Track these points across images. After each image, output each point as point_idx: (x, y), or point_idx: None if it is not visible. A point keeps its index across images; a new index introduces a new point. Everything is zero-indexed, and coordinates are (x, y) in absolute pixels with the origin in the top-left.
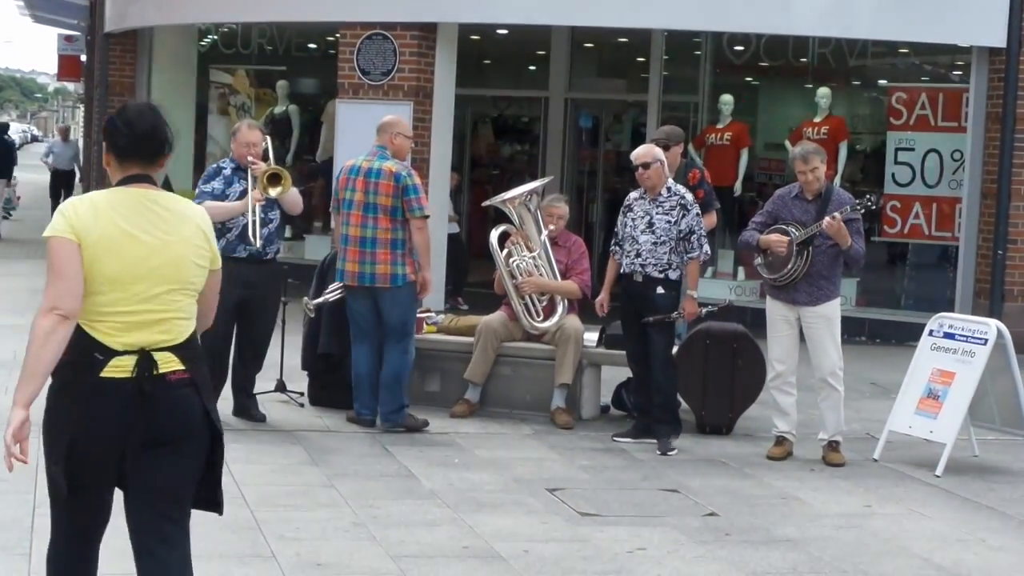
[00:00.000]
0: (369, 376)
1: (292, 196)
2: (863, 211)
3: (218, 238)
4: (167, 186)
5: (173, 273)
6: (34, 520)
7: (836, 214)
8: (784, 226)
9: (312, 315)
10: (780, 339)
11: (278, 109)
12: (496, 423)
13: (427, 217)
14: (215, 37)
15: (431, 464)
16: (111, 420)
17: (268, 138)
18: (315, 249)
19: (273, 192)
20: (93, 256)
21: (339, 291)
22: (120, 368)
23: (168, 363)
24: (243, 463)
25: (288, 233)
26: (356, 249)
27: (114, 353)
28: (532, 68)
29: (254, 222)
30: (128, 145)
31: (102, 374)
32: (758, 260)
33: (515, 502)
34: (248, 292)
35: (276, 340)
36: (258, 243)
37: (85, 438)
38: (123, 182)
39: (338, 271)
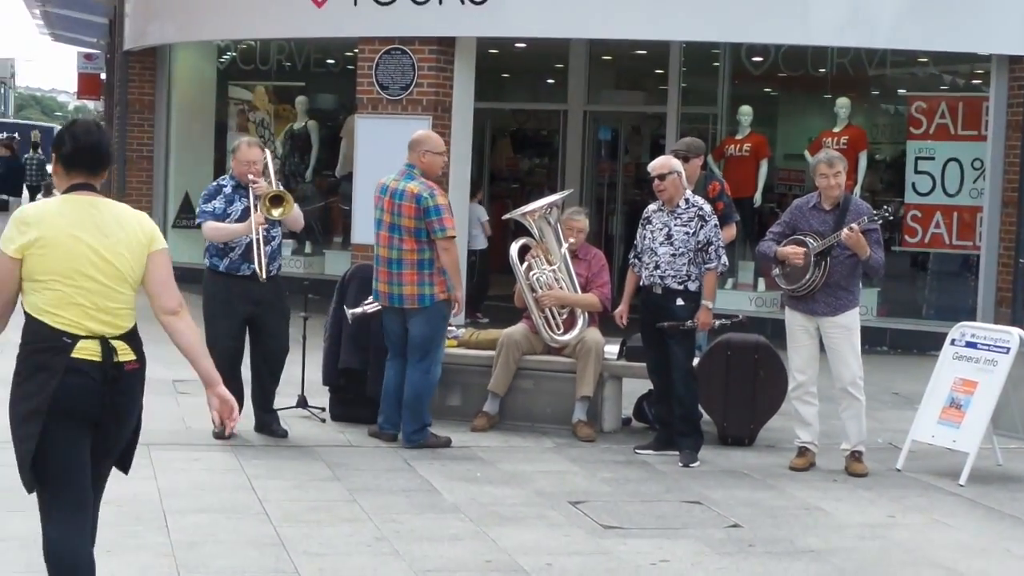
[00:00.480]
0: (396, 391)
1: (294, 216)
2: (880, 222)
3: (221, 258)
4: (186, 202)
5: (114, 269)
6: None
7: (854, 225)
8: (802, 236)
9: (352, 321)
10: (800, 349)
11: (297, 125)
12: (518, 436)
13: (452, 238)
14: (234, 54)
15: (453, 478)
16: (89, 392)
17: (268, 153)
18: (335, 264)
19: (276, 213)
20: (43, 255)
21: (376, 304)
22: (88, 351)
23: (124, 352)
24: (265, 479)
25: (308, 249)
26: (385, 270)
27: (79, 337)
28: (551, 81)
29: (259, 251)
30: (74, 156)
31: (73, 354)
32: (776, 271)
33: (538, 515)
34: (255, 309)
35: (297, 356)
36: (264, 275)
37: (67, 402)
38: (69, 190)
39: (374, 291)
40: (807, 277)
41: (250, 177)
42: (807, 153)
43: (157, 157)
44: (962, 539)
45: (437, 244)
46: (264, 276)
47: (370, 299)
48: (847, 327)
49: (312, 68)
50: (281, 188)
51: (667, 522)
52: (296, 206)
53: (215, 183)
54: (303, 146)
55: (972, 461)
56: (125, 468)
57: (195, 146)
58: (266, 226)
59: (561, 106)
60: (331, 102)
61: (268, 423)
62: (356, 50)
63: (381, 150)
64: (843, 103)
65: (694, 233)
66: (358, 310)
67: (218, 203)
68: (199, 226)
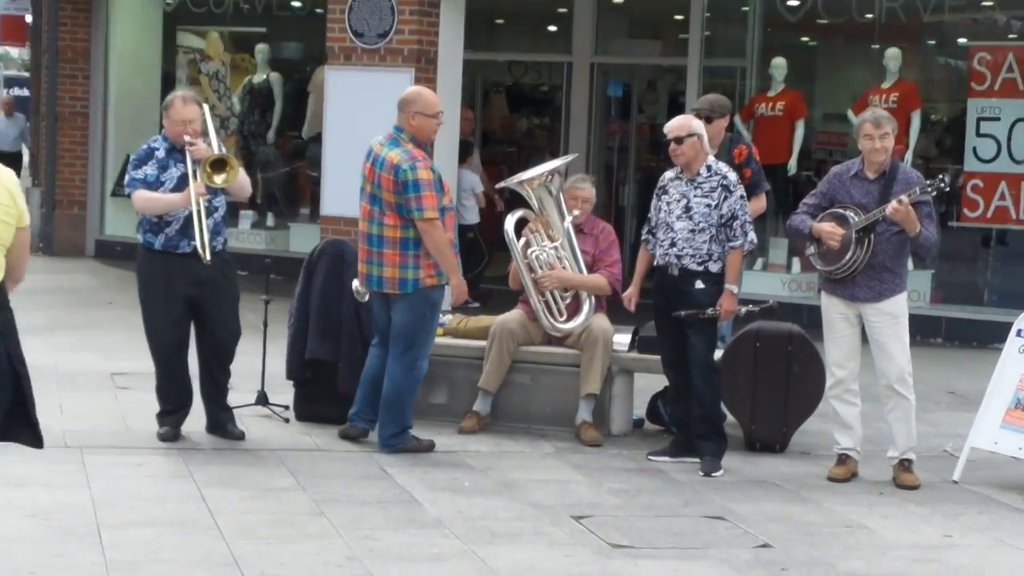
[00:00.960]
0: (375, 380)
1: (240, 183)
2: (934, 193)
3: (156, 233)
4: (127, 166)
5: None
6: None
7: (903, 197)
8: (841, 210)
9: (364, 299)
10: (839, 340)
11: (257, 78)
12: (512, 440)
13: (431, 220)
14: None
15: (436, 488)
16: None
17: (207, 109)
18: (302, 239)
19: (218, 180)
20: None
21: None
22: None
23: None
24: (218, 487)
25: (270, 221)
26: (366, 247)
27: None
28: (552, 29)
29: (200, 226)
30: None
31: None
32: (811, 250)
33: (535, 532)
34: (198, 291)
35: (256, 346)
36: (207, 255)
37: None
38: None
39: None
40: (847, 257)
41: (186, 139)
42: (850, 113)
43: (93, 114)
44: None
45: (417, 226)
46: (207, 257)
47: None
48: (893, 315)
49: (274, 11)
50: (223, 151)
51: (685, 541)
52: (242, 171)
53: (146, 145)
54: (264, 103)
55: None
56: (32, 442)
57: (137, 102)
58: (207, 196)
59: (564, 57)
60: (297, 51)
61: (222, 422)
62: None
63: (354, 108)
64: (893, 55)
65: (716, 205)
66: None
67: (150, 169)
68: (129, 196)
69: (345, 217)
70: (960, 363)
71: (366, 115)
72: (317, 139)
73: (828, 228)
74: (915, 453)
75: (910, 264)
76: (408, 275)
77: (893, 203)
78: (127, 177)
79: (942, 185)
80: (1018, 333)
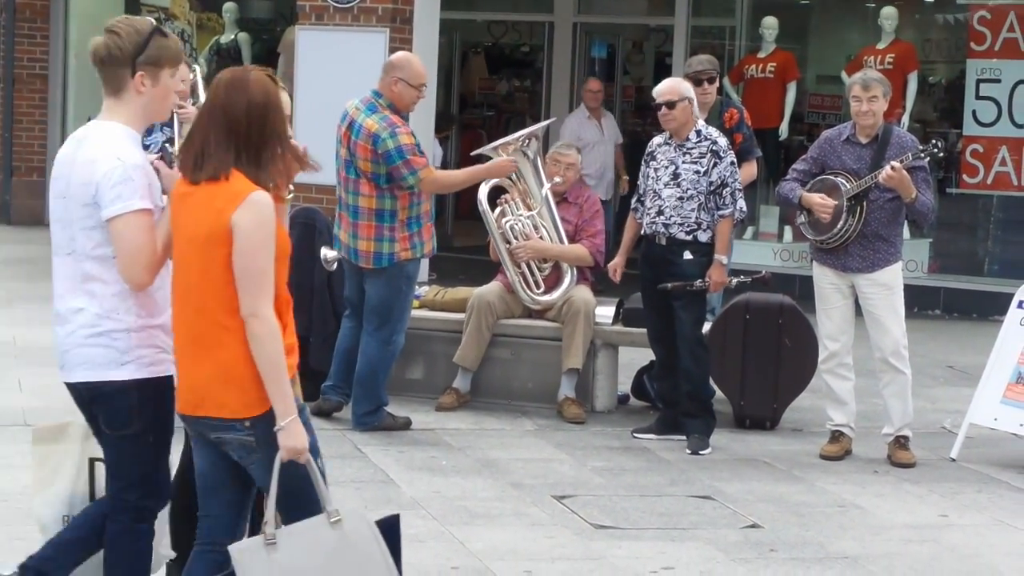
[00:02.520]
0: (349, 352)
1: None
2: (927, 159)
3: None
4: None
5: None
6: None
7: (895, 163)
8: (832, 177)
9: (332, 268)
10: (832, 312)
11: (224, 38)
12: (492, 417)
13: (426, 176)
14: None
15: (413, 467)
16: None
17: (198, 70)
18: None
19: None
20: None
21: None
22: None
23: None
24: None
25: None
26: (345, 215)
27: None
28: None
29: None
30: None
31: None
32: (801, 219)
33: (515, 512)
34: None
35: None
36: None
37: None
38: None
39: (334, 237)
40: (839, 226)
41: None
42: (844, 75)
43: (53, 76)
44: None
45: (413, 193)
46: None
47: None
48: (887, 285)
49: None
50: None
51: (672, 521)
52: None
53: None
54: (232, 64)
55: None
56: None
57: None
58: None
59: (546, 16)
60: (266, 10)
61: None
62: None
63: (327, 69)
64: (889, 13)
65: (706, 172)
66: (336, 252)
67: None
68: None
69: (316, 184)
70: (959, 336)
71: (338, 77)
72: None
73: (818, 201)
74: (911, 430)
75: (906, 233)
76: (384, 248)
77: (886, 169)
78: None
79: (935, 151)
80: (1019, 304)
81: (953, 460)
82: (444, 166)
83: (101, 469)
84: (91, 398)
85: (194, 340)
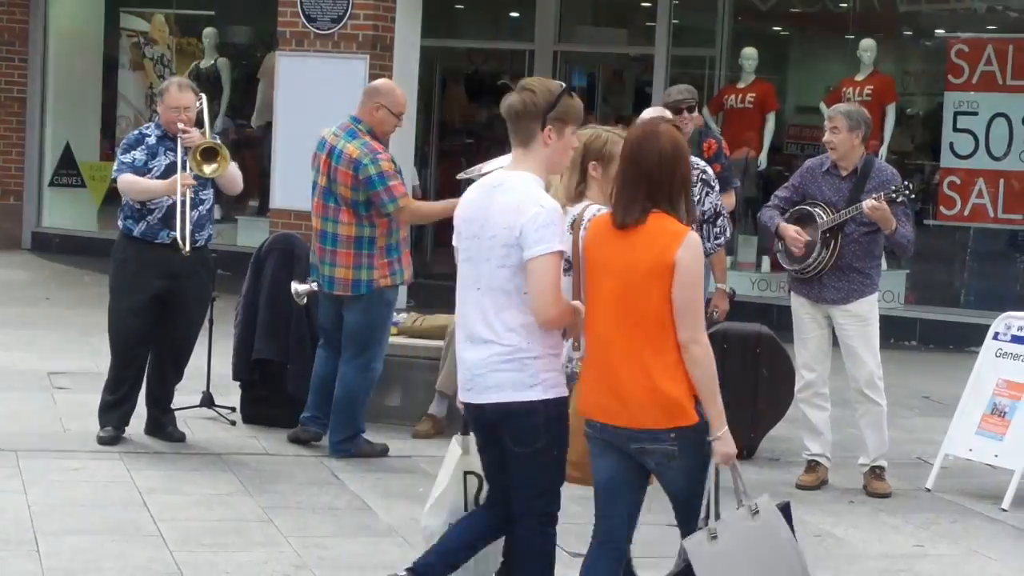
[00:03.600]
0: (326, 382)
1: (231, 174)
2: (899, 199)
3: (137, 220)
4: (67, 154)
5: None
6: None
7: (878, 196)
8: (809, 208)
9: (303, 302)
10: (808, 341)
11: (204, 63)
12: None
13: (404, 205)
14: None
15: (390, 494)
16: None
17: (204, 99)
18: (250, 233)
19: (207, 170)
20: None
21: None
22: None
23: None
24: (161, 493)
25: (217, 214)
26: (319, 245)
27: None
28: (514, 15)
29: (184, 216)
30: None
31: None
32: (778, 247)
33: None
34: (171, 284)
35: (201, 345)
36: (187, 247)
37: None
38: None
39: (311, 266)
40: (813, 257)
41: (179, 126)
42: (823, 105)
43: (31, 99)
44: (1003, 574)
45: (392, 220)
46: (187, 248)
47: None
48: (862, 317)
49: None
50: (216, 140)
51: (648, 549)
52: (234, 164)
53: (137, 131)
54: (212, 89)
55: (1018, 480)
56: None
57: (78, 86)
58: (195, 186)
59: (527, 45)
60: (246, 36)
61: (162, 424)
62: None
63: (306, 96)
64: (867, 46)
65: (699, 201)
66: (308, 286)
67: (139, 154)
68: (115, 181)
69: (295, 210)
70: (935, 366)
71: (318, 103)
72: (267, 128)
73: (792, 234)
74: (887, 460)
75: (884, 264)
76: (362, 276)
77: (869, 201)
78: (115, 162)
79: (907, 192)
80: (995, 336)
81: (928, 490)
82: (423, 195)
83: (473, 482)
84: (499, 418)
85: (624, 360)
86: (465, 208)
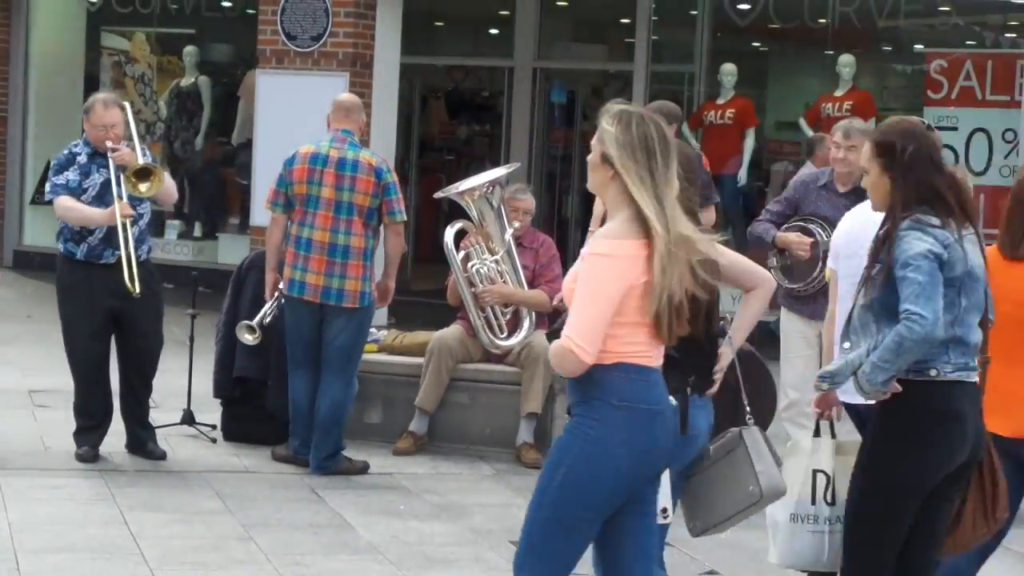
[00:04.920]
0: (310, 406)
1: (165, 190)
2: None
3: (78, 243)
4: (46, 174)
5: None
6: None
7: None
8: (804, 223)
9: (255, 341)
10: (796, 361)
11: (185, 81)
12: (450, 461)
13: (403, 222)
14: None
15: (371, 512)
16: None
17: (129, 111)
18: (230, 251)
19: (143, 188)
20: None
21: (277, 301)
22: None
23: None
24: (141, 510)
25: (198, 232)
26: (323, 258)
27: None
28: (494, 32)
29: (128, 251)
30: None
31: None
32: (773, 261)
33: (473, 557)
34: (121, 303)
35: (182, 362)
36: (137, 289)
37: None
38: None
39: (293, 282)
40: (815, 274)
41: (108, 144)
42: (802, 121)
43: (12, 117)
44: None
45: (389, 229)
46: (136, 290)
47: (270, 300)
48: None
49: (204, 12)
50: (147, 156)
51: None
52: (167, 177)
53: (67, 151)
54: (192, 107)
55: None
56: None
57: (59, 105)
58: (133, 216)
59: (506, 62)
60: (227, 54)
61: (142, 441)
62: None
63: (287, 113)
64: (847, 61)
65: None
66: (262, 317)
67: (72, 175)
68: (50, 202)
69: None
70: None
71: (298, 121)
72: (247, 145)
73: (795, 238)
74: None
75: None
76: (366, 288)
77: None
78: (48, 183)
79: None
80: None
81: None
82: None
83: (822, 479)
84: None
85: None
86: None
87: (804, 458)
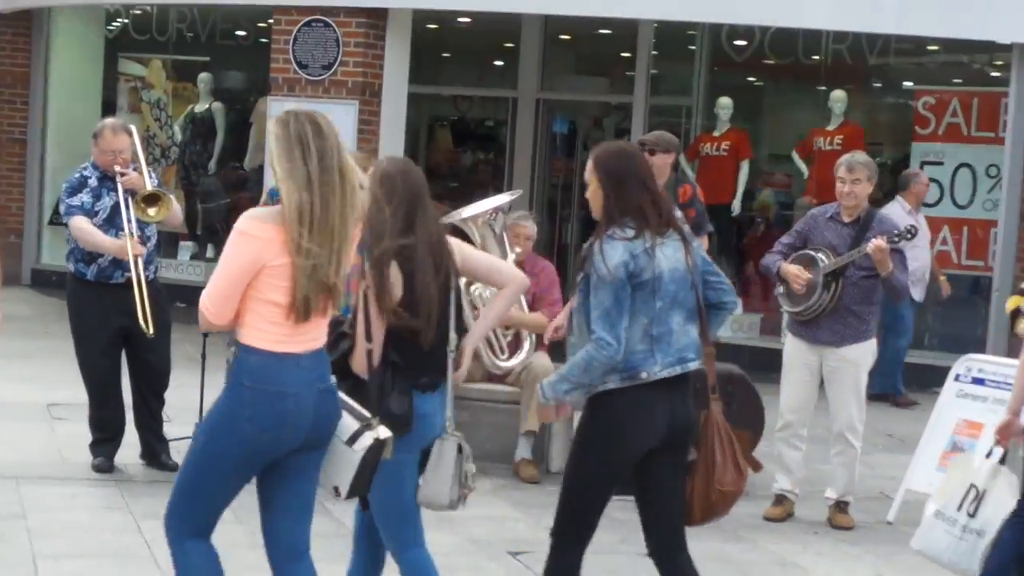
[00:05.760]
0: None
1: (173, 214)
2: (900, 242)
3: (88, 264)
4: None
5: None
6: None
7: (883, 237)
8: (812, 252)
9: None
10: (795, 385)
11: (199, 107)
12: None
13: None
14: (126, 20)
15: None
16: None
17: (136, 136)
18: None
19: (152, 213)
20: None
21: None
22: None
23: None
24: (154, 519)
25: (210, 253)
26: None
27: None
28: (499, 64)
29: (141, 296)
30: None
31: None
32: (779, 289)
33: (472, 567)
34: (130, 321)
35: (195, 378)
36: (151, 330)
37: None
38: None
39: None
40: (814, 299)
41: (117, 168)
42: (795, 154)
43: (32, 140)
44: None
45: None
46: (150, 331)
47: None
48: (854, 362)
49: (218, 40)
50: (154, 180)
51: None
52: (174, 202)
53: (78, 174)
54: (206, 132)
55: None
56: None
57: (77, 129)
58: (143, 253)
59: (510, 93)
60: (240, 81)
61: (156, 452)
62: (271, 20)
63: None
64: (838, 97)
65: None
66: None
67: (85, 197)
68: (66, 224)
69: None
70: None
71: None
72: (259, 170)
73: (794, 271)
74: (853, 496)
75: None
76: None
77: (875, 241)
78: (63, 205)
79: (908, 236)
80: (956, 378)
81: (890, 523)
82: None
83: (972, 493)
84: None
85: None
86: None
87: (968, 471)
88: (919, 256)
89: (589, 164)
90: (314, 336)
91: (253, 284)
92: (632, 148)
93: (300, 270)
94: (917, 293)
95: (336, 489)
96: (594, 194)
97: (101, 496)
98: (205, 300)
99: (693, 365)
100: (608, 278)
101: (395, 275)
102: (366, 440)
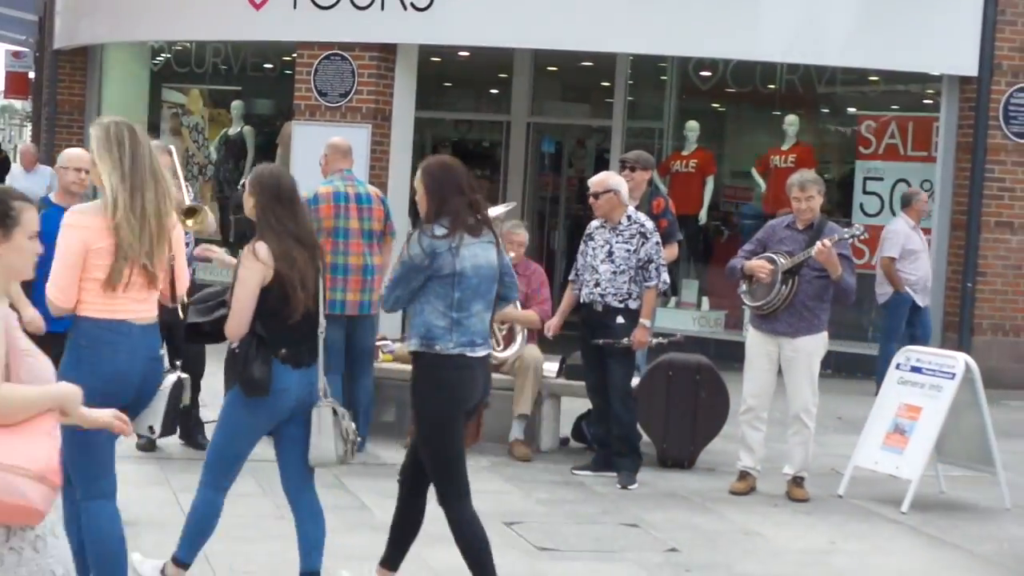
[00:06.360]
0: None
1: (209, 226)
2: (852, 241)
3: None
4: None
5: None
6: None
7: (826, 240)
8: (772, 255)
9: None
10: (757, 373)
11: (232, 130)
12: None
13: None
14: (168, 55)
15: (385, 496)
16: None
17: (175, 153)
18: None
19: (190, 223)
20: None
21: None
22: None
23: None
24: (191, 493)
25: None
26: (359, 278)
27: None
28: (494, 91)
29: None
30: None
31: None
32: (742, 287)
33: None
34: (170, 316)
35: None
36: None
37: None
38: None
39: (334, 302)
40: (773, 293)
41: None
42: (754, 171)
43: None
44: (903, 567)
45: (388, 245)
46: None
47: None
48: (807, 351)
49: (249, 72)
50: (191, 194)
51: (603, 545)
52: (209, 213)
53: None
54: (238, 152)
55: (915, 488)
56: None
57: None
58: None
59: (504, 117)
60: (268, 107)
61: (193, 434)
62: (295, 55)
63: (318, 158)
64: (791, 120)
65: (635, 250)
66: None
67: None
68: None
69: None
70: (847, 391)
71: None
72: None
73: (757, 263)
74: (807, 472)
75: None
76: (376, 296)
77: (818, 244)
78: None
79: (857, 233)
80: (897, 366)
81: (840, 496)
82: None
83: None
84: None
85: None
86: None
87: None
88: (921, 267)
89: (418, 173)
90: (146, 308)
91: (85, 266)
92: (453, 161)
93: (117, 247)
94: (922, 300)
95: (151, 428)
96: (421, 197)
97: (144, 472)
98: (51, 288)
99: (481, 351)
100: (406, 259)
101: (265, 253)
102: (169, 380)
